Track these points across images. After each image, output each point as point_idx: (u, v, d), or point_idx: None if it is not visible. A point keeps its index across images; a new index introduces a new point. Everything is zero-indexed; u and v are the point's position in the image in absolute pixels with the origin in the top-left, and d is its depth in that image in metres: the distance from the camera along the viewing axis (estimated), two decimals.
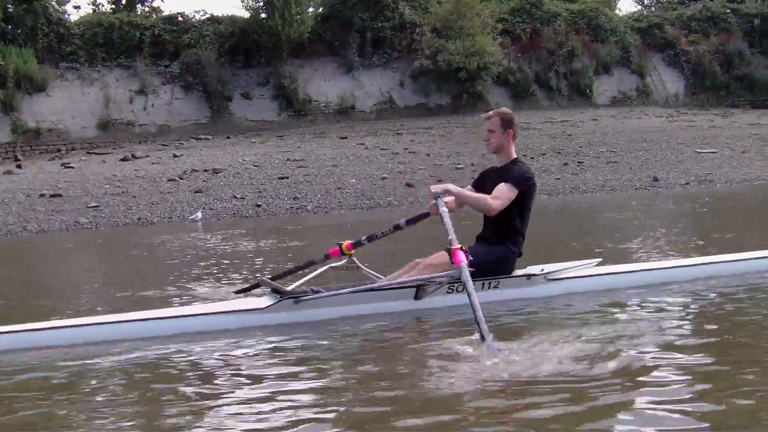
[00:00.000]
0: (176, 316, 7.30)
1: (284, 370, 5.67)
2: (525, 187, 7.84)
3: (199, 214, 23.79)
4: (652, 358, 5.42)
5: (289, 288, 7.68)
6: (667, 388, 4.76)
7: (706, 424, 4.10)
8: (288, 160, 32.11)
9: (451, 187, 7.78)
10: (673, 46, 54.30)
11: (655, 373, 5.04)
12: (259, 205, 24.97)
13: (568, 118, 43.44)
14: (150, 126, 42.29)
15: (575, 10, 52.92)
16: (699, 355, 5.46)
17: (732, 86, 53.11)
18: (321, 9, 48.05)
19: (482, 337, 5.83)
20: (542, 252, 10.47)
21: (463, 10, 45.53)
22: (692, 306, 7.46)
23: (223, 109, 43.70)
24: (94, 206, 25.18)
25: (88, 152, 37.41)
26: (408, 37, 47.44)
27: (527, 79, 48.58)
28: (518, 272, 8.01)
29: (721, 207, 20.39)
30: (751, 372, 4.99)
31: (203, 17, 46.96)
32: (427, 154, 33.17)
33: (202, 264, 12.92)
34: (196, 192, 26.83)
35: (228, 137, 40.46)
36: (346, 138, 38.16)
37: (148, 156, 34.50)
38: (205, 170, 30.08)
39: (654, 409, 4.38)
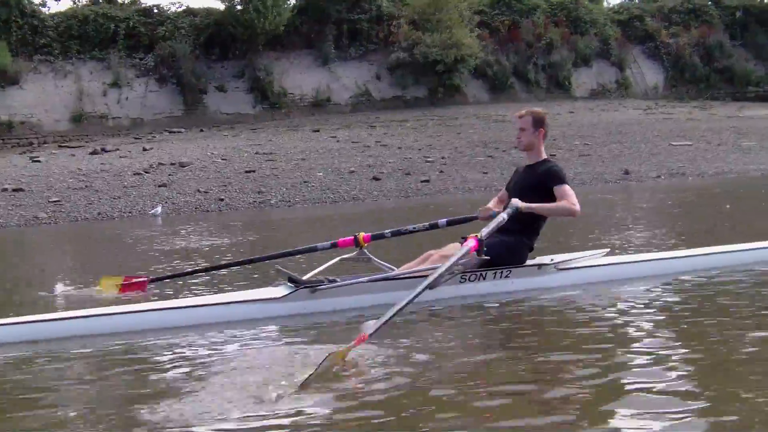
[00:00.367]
0: (193, 306, 7.39)
1: (302, 359, 5.60)
2: (565, 179, 7.98)
3: (159, 209, 23.36)
4: (660, 348, 5.51)
5: (305, 278, 7.65)
6: (675, 377, 4.80)
7: (716, 417, 4.12)
8: (257, 153, 31.73)
9: (521, 204, 7.77)
10: (654, 39, 54.14)
11: (664, 364, 5.10)
12: (222, 199, 24.53)
13: (545, 111, 42.99)
14: (123, 119, 42.08)
15: (555, 2, 52.75)
16: (707, 343, 5.61)
17: (712, 78, 53.05)
18: (297, 1, 47.59)
19: (370, 329, 5.66)
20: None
21: (441, 3, 45.32)
22: (699, 295, 7.46)
23: (197, 102, 43.49)
24: (56, 201, 24.69)
25: (60, 146, 36.91)
26: (385, 30, 47.25)
27: (505, 71, 48.38)
28: (529, 262, 8.08)
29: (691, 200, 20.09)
30: (762, 362, 5.08)
31: (179, 9, 46.62)
32: (399, 147, 32.81)
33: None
34: (160, 186, 26.37)
35: (201, 130, 40.14)
36: (318, 131, 37.84)
37: (118, 149, 34.07)
38: (171, 164, 29.64)
39: (663, 399, 4.43)
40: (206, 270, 9.72)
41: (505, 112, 41.38)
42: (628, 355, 5.34)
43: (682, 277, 8.21)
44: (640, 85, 52.22)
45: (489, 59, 47.56)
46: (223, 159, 30.56)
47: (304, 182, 26.59)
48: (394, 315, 5.92)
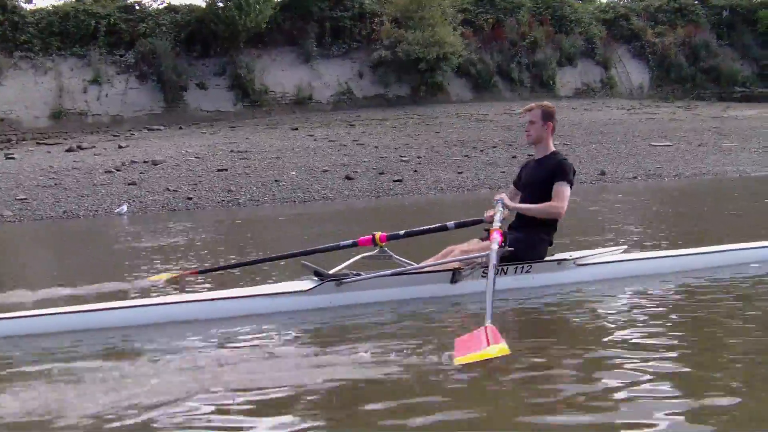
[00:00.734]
0: (219, 299, 7.46)
1: (331, 352, 5.81)
2: (574, 179, 8.06)
3: (125, 208, 23.08)
4: (675, 343, 5.64)
5: (330, 272, 7.73)
6: (691, 374, 4.92)
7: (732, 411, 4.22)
8: (232, 151, 31.45)
9: (509, 203, 8.05)
10: (639, 38, 53.86)
11: (679, 360, 5.20)
12: (190, 198, 24.26)
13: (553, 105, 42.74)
14: (103, 116, 41.70)
15: (540, 1, 52.38)
16: (725, 340, 5.68)
17: (698, 78, 52.76)
18: None
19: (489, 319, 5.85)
20: None
21: (424, 0, 44.95)
22: (718, 292, 7.55)
23: (177, 99, 43.14)
24: (22, 199, 24.42)
25: (38, 143, 36.56)
26: (367, 27, 46.96)
27: (488, 70, 48.13)
28: (548, 258, 8.17)
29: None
30: None
31: (161, 6, 46.28)
32: (375, 146, 32.55)
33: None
34: (129, 184, 26.10)
35: (180, 128, 39.82)
36: (297, 129, 37.55)
37: (94, 147, 33.74)
38: (144, 162, 29.37)
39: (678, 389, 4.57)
40: (246, 264, 9.85)
41: (487, 111, 41.33)
42: (645, 352, 5.38)
43: (699, 274, 8.35)
44: (625, 84, 51.95)
45: (472, 58, 47.30)
46: (196, 157, 30.28)
47: (276, 181, 26.33)
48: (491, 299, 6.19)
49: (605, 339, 5.85)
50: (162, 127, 39.86)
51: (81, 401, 4.80)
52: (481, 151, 31.58)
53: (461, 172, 27.63)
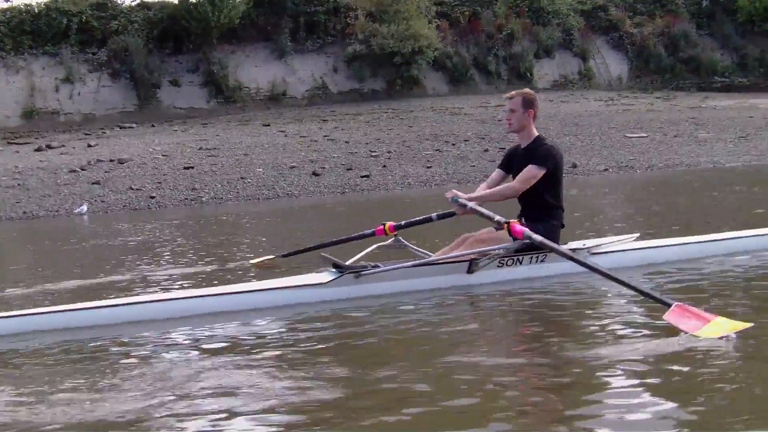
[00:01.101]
0: (240, 292, 7.54)
1: (352, 342, 5.97)
2: (551, 164, 7.96)
3: (85, 207, 22.76)
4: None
5: (347, 264, 7.79)
6: (704, 361, 4.88)
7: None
8: (200, 149, 31.07)
9: (464, 199, 7.91)
10: (618, 29, 53.46)
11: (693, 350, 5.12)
12: (153, 197, 23.94)
13: (502, 103, 42.34)
14: (75, 115, 41.41)
15: None
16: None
17: (677, 68, 52.33)
18: None
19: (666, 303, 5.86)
20: None
21: None
22: (729, 278, 7.57)
23: (150, 96, 42.84)
24: None
25: (9, 142, 36.08)
26: (342, 22, 46.54)
27: (465, 63, 47.78)
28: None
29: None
30: None
31: (133, 3, 45.90)
32: (346, 142, 32.22)
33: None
34: (93, 183, 25.77)
35: (152, 125, 39.44)
36: (269, 125, 37.16)
37: (63, 146, 33.28)
38: (111, 160, 28.98)
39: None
40: (319, 247, 9.66)
41: (462, 105, 41.10)
42: (662, 340, 5.38)
43: (712, 260, 8.37)
44: (604, 76, 51.60)
45: (448, 51, 46.98)
46: (164, 155, 29.91)
47: (241, 178, 26.04)
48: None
49: (622, 328, 5.84)
50: (134, 125, 39.51)
51: (118, 394, 4.88)
52: (453, 145, 31.29)
53: (430, 167, 27.38)
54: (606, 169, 26.91)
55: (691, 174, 24.86)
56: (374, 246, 8.49)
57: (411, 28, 43.72)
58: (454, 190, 8.05)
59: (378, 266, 7.71)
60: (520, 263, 7.95)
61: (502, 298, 7.38)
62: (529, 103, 8.15)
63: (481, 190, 8.23)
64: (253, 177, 26.22)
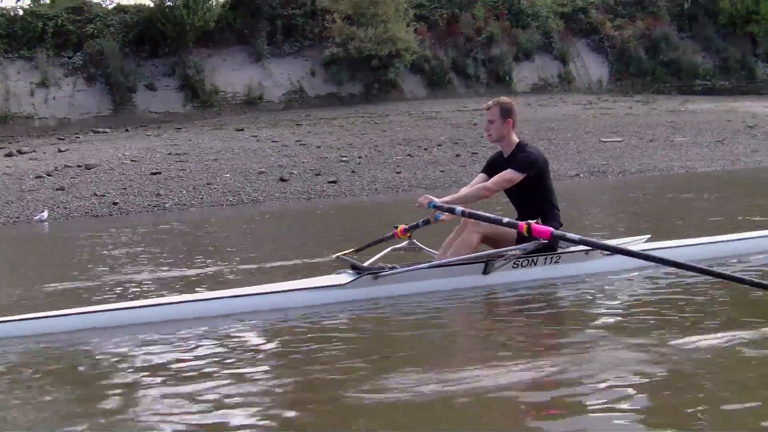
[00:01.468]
0: (260, 294, 7.71)
1: (371, 341, 6.28)
2: (532, 170, 8.16)
3: (45, 214, 22.40)
4: (704, 331, 5.78)
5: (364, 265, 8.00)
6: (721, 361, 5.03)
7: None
8: (170, 154, 30.71)
9: (440, 202, 8.05)
10: (598, 31, 53.18)
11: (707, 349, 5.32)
12: (115, 203, 23.59)
13: (480, 107, 42.03)
14: (50, 119, 41.07)
15: None
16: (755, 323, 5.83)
17: (658, 71, 52.04)
18: None
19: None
20: None
21: None
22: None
23: (126, 101, 42.47)
24: None
25: None
26: (320, 25, 46.22)
27: (443, 66, 47.45)
28: (575, 248, 8.28)
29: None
30: None
31: (110, 6, 45.63)
32: (318, 147, 31.90)
33: None
34: (57, 189, 25.42)
35: (127, 130, 39.13)
36: (242, 130, 36.87)
37: (34, 151, 32.94)
38: (78, 166, 28.65)
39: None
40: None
41: (440, 108, 40.89)
42: (679, 339, 5.55)
43: (726, 261, 8.48)
44: (584, 79, 51.28)
45: (427, 54, 46.71)
46: (132, 160, 29.56)
47: (208, 184, 25.70)
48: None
49: (637, 327, 6.01)
50: (108, 130, 39.17)
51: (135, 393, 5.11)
52: (426, 149, 31.02)
53: (399, 172, 27.10)
54: (577, 174, 26.66)
55: (660, 179, 24.69)
56: (389, 248, 8.71)
57: (389, 32, 43.46)
58: (428, 195, 8.12)
59: (395, 267, 7.95)
60: (535, 264, 8.15)
61: (518, 299, 7.60)
62: (506, 112, 8.38)
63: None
64: (220, 183, 25.90)
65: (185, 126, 39.41)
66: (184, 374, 5.60)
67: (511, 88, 47.16)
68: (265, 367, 5.66)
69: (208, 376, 5.46)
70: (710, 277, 7.40)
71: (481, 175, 8.60)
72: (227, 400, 4.82)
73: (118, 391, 5.31)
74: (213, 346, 6.41)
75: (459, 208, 7.82)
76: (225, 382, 5.26)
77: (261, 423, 4.42)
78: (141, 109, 42.51)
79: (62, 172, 27.97)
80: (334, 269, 8.26)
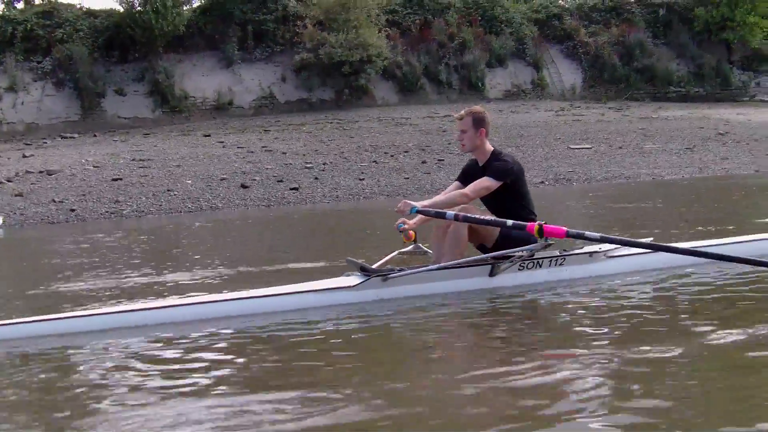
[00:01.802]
0: (270, 296, 7.75)
1: (382, 343, 6.47)
2: (508, 178, 8.17)
3: (0, 220, 22.11)
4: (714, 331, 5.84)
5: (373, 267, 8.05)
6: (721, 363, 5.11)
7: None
8: (133, 160, 30.45)
9: (424, 204, 8.09)
10: (572, 38, 53.05)
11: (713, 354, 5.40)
12: (73, 210, 23.25)
13: (451, 113, 41.86)
14: (18, 124, 40.88)
15: (470, 1, 51.59)
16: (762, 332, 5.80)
17: (632, 78, 51.91)
18: (201, 1, 46.56)
19: None
20: None
21: (349, 2, 44.16)
22: (751, 282, 7.74)
23: (94, 106, 42.29)
24: None
25: None
26: (291, 30, 46.05)
27: (415, 72, 47.26)
28: (579, 250, 8.40)
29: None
30: None
31: (80, 11, 45.23)
32: (283, 153, 31.66)
33: None
34: (16, 195, 25.09)
35: (95, 135, 38.85)
36: (209, 136, 36.60)
37: None
38: (40, 172, 28.33)
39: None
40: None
41: (410, 115, 40.72)
42: (685, 344, 5.58)
43: (730, 264, 8.31)
44: (557, 85, 51.14)
45: (399, 60, 46.54)
46: (95, 166, 29.26)
47: (168, 191, 25.40)
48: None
49: (642, 330, 6.06)
50: (76, 135, 38.89)
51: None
52: (392, 156, 30.79)
53: (363, 179, 26.84)
54: (542, 182, 26.44)
55: (616, 187, 24.58)
56: (395, 252, 8.80)
57: (360, 37, 43.33)
58: (407, 201, 8.01)
59: (403, 270, 7.97)
60: (540, 266, 8.20)
61: (524, 301, 7.65)
62: (479, 122, 8.32)
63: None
64: (180, 189, 25.60)
65: (153, 131, 39.16)
66: (188, 375, 5.62)
67: (483, 94, 47.05)
68: (277, 367, 5.78)
69: (222, 377, 5.55)
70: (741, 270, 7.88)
71: (456, 183, 8.59)
72: (241, 399, 4.93)
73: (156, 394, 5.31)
74: (225, 346, 6.53)
75: (451, 213, 7.78)
76: (239, 378, 5.47)
77: (279, 418, 4.54)
78: (110, 115, 42.29)
79: (23, 177, 27.65)
80: (343, 271, 8.31)
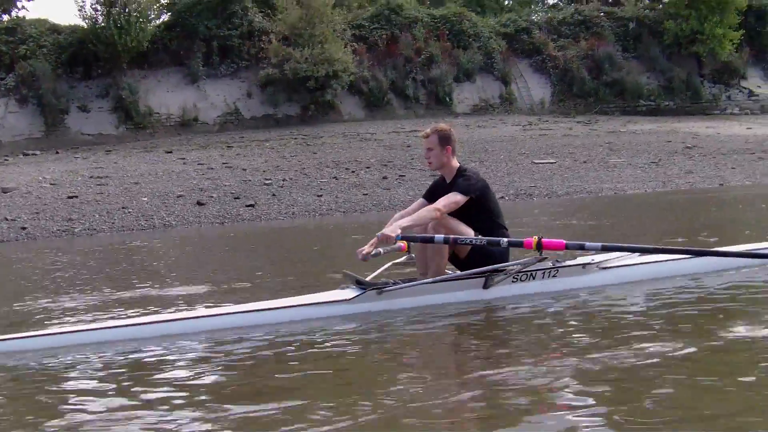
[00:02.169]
0: (266, 309, 7.76)
1: (377, 355, 6.43)
2: (473, 193, 8.08)
3: None
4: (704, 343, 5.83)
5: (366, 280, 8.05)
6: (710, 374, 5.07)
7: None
8: (91, 177, 30.10)
9: (398, 228, 7.91)
10: (541, 52, 52.89)
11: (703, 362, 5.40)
12: (24, 228, 22.84)
13: (418, 128, 41.77)
14: None
15: (438, 15, 51.39)
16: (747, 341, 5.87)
17: (601, 92, 51.74)
18: (165, 17, 46.27)
19: None
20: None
21: (314, 18, 43.93)
22: (745, 291, 7.81)
23: (58, 123, 41.93)
24: None
25: None
26: (257, 46, 45.79)
27: (382, 87, 47.01)
28: (572, 261, 8.39)
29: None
30: None
31: (44, 27, 44.86)
32: (243, 169, 31.39)
33: None
34: None
35: (57, 152, 38.42)
36: (171, 152, 36.28)
37: None
38: None
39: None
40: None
41: (375, 130, 40.44)
42: (675, 356, 5.55)
43: (724, 273, 8.52)
44: (526, 100, 50.99)
45: (365, 75, 46.31)
46: (52, 184, 28.90)
47: (123, 208, 25.01)
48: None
49: (636, 343, 5.96)
50: (38, 152, 38.47)
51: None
52: (353, 172, 30.55)
53: (321, 195, 26.54)
54: (502, 197, 26.08)
55: (572, 202, 24.34)
56: (389, 263, 8.75)
57: (325, 52, 43.08)
58: (385, 232, 7.83)
59: (398, 282, 7.95)
60: (533, 278, 8.16)
61: (517, 313, 7.57)
62: (445, 140, 8.25)
63: (397, 219, 8.23)
64: (136, 207, 25.22)
65: (116, 148, 38.85)
66: (183, 388, 5.58)
67: (451, 109, 46.87)
68: (272, 380, 5.76)
69: (215, 389, 5.55)
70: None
71: (421, 201, 8.49)
72: (235, 413, 4.89)
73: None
74: (223, 360, 6.50)
75: (440, 237, 7.72)
76: (232, 392, 5.45)
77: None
78: (73, 131, 41.97)
79: None
80: (338, 284, 8.29)
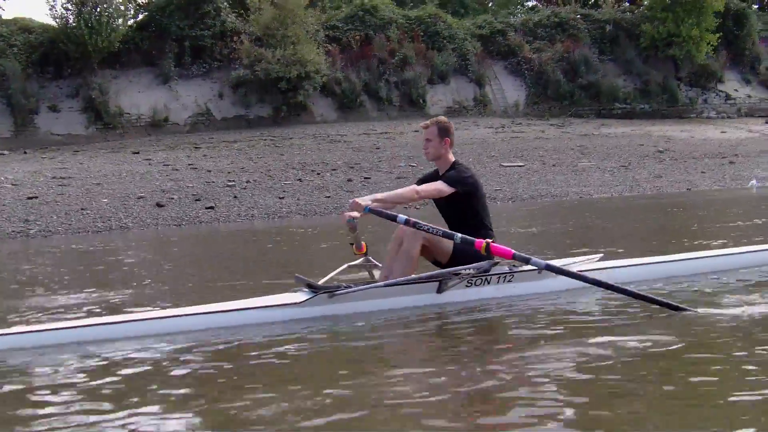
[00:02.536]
0: (214, 312, 7.70)
1: (325, 360, 6.46)
2: (461, 187, 8.23)
3: None
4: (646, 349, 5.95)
5: (319, 283, 8.05)
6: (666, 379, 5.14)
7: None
8: (54, 177, 29.83)
9: (376, 197, 8.16)
10: (516, 54, 52.62)
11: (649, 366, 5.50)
12: None
13: (389, 130, 41.67)
14: None
15: (412, 17, 51.22)
16: (704, 344, 6.06)
17: (576, 95, 51.48)
18: (137, 17, 46.07)
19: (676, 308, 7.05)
20: None
21: (286, 18, 43.72)
22: (694, 297, 7.86)
23: (27, 122, 41.50)
24: None
25: None
26: (229, 46, 45.52)
27: (355, 89, 46.71)
28: (527, 267, 8.21)
29: None
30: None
31: (15, 26, 44.46)
32: (208, 170, 31.18)
33: None
34: None
35: (25, 152, 38.08)
36: (138, 153, 36.06)
37: None
38: None
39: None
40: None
41: (347, 131, 40.34)
42: (629, 362, 5.64)
43: (676, 280, 8.71)
44: (500, 102, 50.68)
45: (338, 76, 46.06)
46: (13, 184, 28.60)
47: (82, 209, 24.82)
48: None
49: (588, 347, 6.04)
50: (6, 152, 38.10)
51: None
52: (318, 174, 30.39)
53: (282, 198, 26.40)
54: None
55: (530, 206, 24.22)
56: (345, 265, 8.70)
57: (298, 53, 42.83)
58: (357, 200, 7.99)
59: (350, 286, 8.01)
60: (488, 283, 8.22)
61: (470, 317, 7.61)
62: (444, 132, 8.45)
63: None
64: (94, 208, 25.02)
65: (84, 149, 38.50)
66: (122, 394, 5.55)
67: (424, 111, 46.47)
68: (219, 383, 5.77)
69: (159, 396, 5.48)
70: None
71: (413, 186, 8.56)
72: (176, 417, 4.89)
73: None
74: (168, 365, 6.43)
75: (402, 217, 7.82)
76: (179, 397, 5.42)
77: None
78: (43, 131, 41.54)
79: None
80: (290, 288, 8.27)
